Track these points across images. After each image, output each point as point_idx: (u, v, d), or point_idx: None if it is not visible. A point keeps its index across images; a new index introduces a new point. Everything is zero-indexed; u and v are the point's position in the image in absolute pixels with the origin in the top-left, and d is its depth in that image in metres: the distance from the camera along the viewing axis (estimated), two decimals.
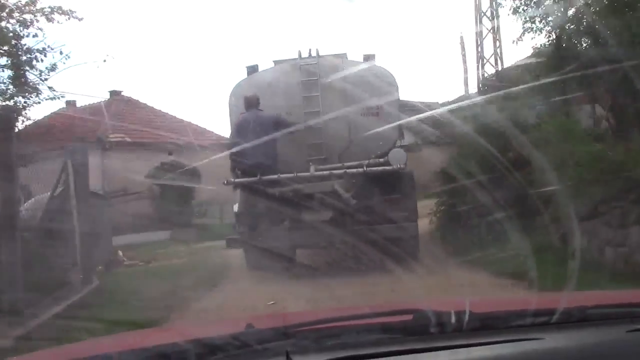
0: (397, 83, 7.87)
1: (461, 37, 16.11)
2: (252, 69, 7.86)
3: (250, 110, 7.41)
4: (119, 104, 18.22)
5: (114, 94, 18.47)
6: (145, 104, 19.33)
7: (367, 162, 7.29)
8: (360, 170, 7.20)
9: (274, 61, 8.07)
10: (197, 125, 20.04)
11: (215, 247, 11.92)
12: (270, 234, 7.27)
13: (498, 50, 15.28)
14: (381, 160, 7.37)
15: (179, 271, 8.51)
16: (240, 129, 7.44)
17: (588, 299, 1.46)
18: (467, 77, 15.88)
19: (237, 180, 7.29)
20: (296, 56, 7.83)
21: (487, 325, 1.22)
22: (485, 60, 15.38)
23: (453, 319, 1.18)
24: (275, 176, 7.06)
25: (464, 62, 15.97)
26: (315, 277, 7.03)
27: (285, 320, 1.38)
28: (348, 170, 7.20)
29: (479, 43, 15.68)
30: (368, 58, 7.89)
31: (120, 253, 10.81)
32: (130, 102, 18.99)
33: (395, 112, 7.70)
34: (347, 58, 8.07)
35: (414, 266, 6.50)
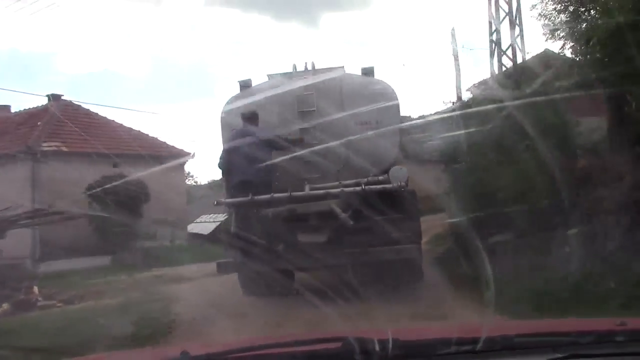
0: (397, 97, 8.05)
1: (452, 29, 15.95)
2: (245, 84, 8.09)
3: (247, 126, 7.58)
4: (58, 109, 17.24)
5: (53, 97, 17.75)
6: (88, 110, 18.40)
7: (365, 180, 7.42)
8: (358, 189, 7.33)
9: (268, 75, 8.31)
10: (148, 135, 19.27)
11: (165, 276, 11.27)
12: (264, 257, 7.39)
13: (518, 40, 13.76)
14: (381, 178, 7.51)
15: (107, 318, 7.06)
16: (233, 145, 7.57)
17: (512, 328, 1.61)
18: (459, 78, 14.99)
19: (227, 200, 7.46)
20: (291, 70, 8.05)
21: (411, 354, 1.38)
22: (502, 52, 13.92)
23: (377, 347, 1.34)
24: (268, 196, 7.21)
25: (456, 59, 14.96)
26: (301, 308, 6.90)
27: (224, 347, 1.55)
28: (345, 189, 7.32)
29: (493, 28, 14.09)
30: (367, 71, 8.07)
31: (36, 289, 9.65)
32: (70, 107, 18.02)
33: (395, 127, 7.86)
34: (344, 71, 8.26)
35: (414, 293, 6.61)
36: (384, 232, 7.27)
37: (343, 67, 8.36)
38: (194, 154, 19.73)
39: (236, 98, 8.11)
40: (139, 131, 19.22)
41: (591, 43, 7.55)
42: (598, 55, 7.59)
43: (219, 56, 57.29)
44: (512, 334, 1.44)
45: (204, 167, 69.37)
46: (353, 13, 58.94)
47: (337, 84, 7.85)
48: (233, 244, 7.63)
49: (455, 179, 11.88)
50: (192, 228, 21.01)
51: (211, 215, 22.23)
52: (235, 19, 53.03)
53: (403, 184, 7.44)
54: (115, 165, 15.41)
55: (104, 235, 13.70)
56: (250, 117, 7.54)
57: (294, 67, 8.07)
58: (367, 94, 7.80)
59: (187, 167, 30.56)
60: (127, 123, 19.49)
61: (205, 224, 21.96)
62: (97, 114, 18.37)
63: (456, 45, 14.81)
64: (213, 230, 20.75)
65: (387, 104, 7.83)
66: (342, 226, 7.31)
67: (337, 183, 7.41)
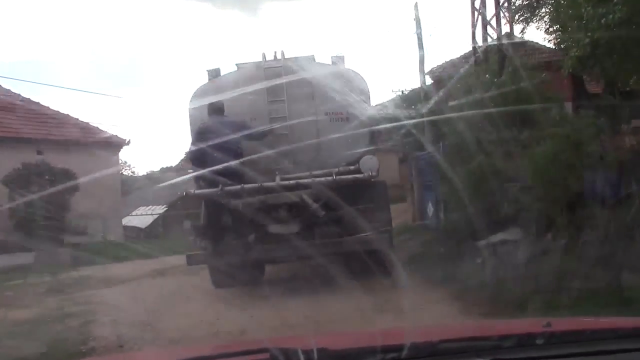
0: (367, 86, 8.09)
1: (415, 4, 14.53)
2: (214, 73, 8.05)
3: (214, 116, 7.54)
4: None
5: None
6: (8, 89, 16.52)
7: (336, 170, 7.45)
8: (330, 179, 7.36)
9: (236, 64, 8.25)
10: (78, 120, 17.48)
11: (94, 277, 10.34)
12: (235, 248, 7.41)
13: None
14: (352, 168, 7.55)
15: (13, 336, 6.14)
16: (202, 136, 7.50)
17: (436, 333, 1.66)
18: (423, 60, 13.77)
19: (197, 191, 7.43)
20: (260, 59, 8.01)
21: None
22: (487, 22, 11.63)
23: (302, 358, 1.37)
24: (238, 187, 7.21)
25: (419, 38, 13.85)
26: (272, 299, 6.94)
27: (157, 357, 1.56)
28: (316, 179, 7.35)
29: None
30: (337, 60, 8.06)
31: None
32: None
33: (366, 116, 7.88)
34: (314, 60, 8.24)
35: (383, 284, 6.67)
36: (355, 222, 7.30)
37: (313, 56, 8.33)
38: (129, 140, 18.25)
39: (204, 88, 8.05)
40: (68, 114, 17.38)
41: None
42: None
43: (156, 43, 56.47)
44: (437, 339, 1.48)
45: (143, 157, 67.71)
46: (294, 3, 58.79)
47: (306, 73, 7.82)
48: (203, 235, 7.62)
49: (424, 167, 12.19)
50: (129, 221, 19.78)
51: (149, 207, 21.26)
52: (174, 5, 52.18)
53: (374, 173, 7.49)
54: (39, 152, 14.26)
55: (26, 231, 12.05)
56: (217, 107, 7.50)
57: (264, 56, 8.02)
58: (337, 82, 7.77)
59: (124, 157, 28.75)
60: (59, 107, 17.83)
61: (142, 217, 20.83)
62: (19, 95, 16.61)
63: (419, 22, 14.08)
64: (151, 224, 20.11)
65: (357, 93, 7.85)
66: (314, 216, 7.36)
67: (308, 173, 7.42)
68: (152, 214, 20.80)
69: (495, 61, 10.26)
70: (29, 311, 7.40)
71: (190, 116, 8.02)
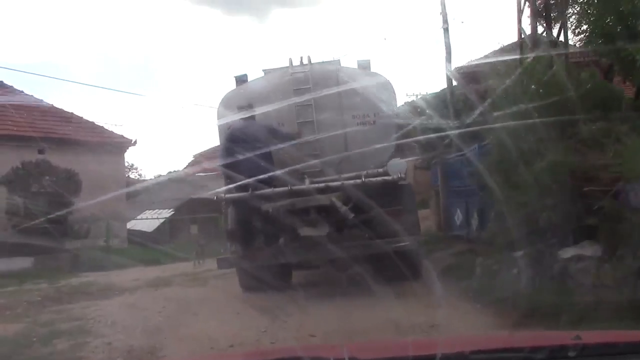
0: (394, 89, 8.10)
1: None
2: (242, 79, 8.15)
3: (244, 120, 7.64)
4: None
5: None
6: (11, 86, 15.94)
7: (365, 172, 7.48)
8: (359, 181, 7.40)
9: (263, 70, 8.36)
10: (82, 118, 16.86)
11: (95, 284, 9.68)
12: (264, 252, 7.49)
13: None
14: (380, 170, 7.57)
15: None
16: (232, 139, 7.61)
17: (467, 344, 1.68)
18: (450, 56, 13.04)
19: (227, 195, 7.54)
20: (287, 64, 8.09)
21: None
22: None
23: None
24: (268, 190, 7.30)
25: (445, 21, 13.10)
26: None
27: None
28: (345, 182, 7.39)
29: None
30: (363, 64, 8.09)
31: None
32: None
33: (393, 119, 7.90)
34: (340, 65, 8.28)
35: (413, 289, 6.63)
36: (384, 225, 7.31)
37: (339, 60, 8.41)
38: (135, 140, 17.64)
39: (232, 93, 8.17)
40: (72, 113, 16.63)
41: None
42: None
43: (167, 48, 57.05)
44: (468, 350, 1.51)
45: (151, 161, 67.24)
46: (302, 10, 58.82)
47: (333, 78, 7.88)
48: (233, 239, 7.73)
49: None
50: (134, 225, 19.06)
51: (155, 211, 20.46)
52: (185, 11, 52.77)
53: (403, 175, 7.51)
54: (40, 151, 13.55)
55: (24, 234, 11.08)
56: (246, 110, 7.60)
57: (290, 61, 8.10)
58: (363, 86, 7.82)
59: (132, 159, 28.46)
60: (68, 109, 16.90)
61: (148, 220, 19.98)
62: (22, 92, 16.02)
63: (446, 16, 13.21)
64: (157, 228, 19.23)
65: (383, 96, 7.88)
66: (343, 219, 7.39)
67: (337, 176, 7.47)
68: (158, 218, 20.10)
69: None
70: (15, 326, 6.65)
71: (219, 120, 8.17)
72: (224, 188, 7.87)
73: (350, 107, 7.82)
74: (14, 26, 40.87)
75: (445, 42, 13.13)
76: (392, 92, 8.05)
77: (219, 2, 54.31)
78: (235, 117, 7.80)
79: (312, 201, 7.47)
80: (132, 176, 26.60)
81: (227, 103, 8.06)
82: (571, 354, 1.49)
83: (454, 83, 13.09)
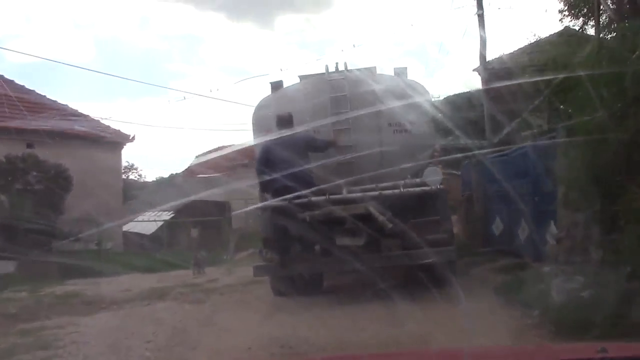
0: (430, 97, 8.06)
1: None
2: (277, 85, 8.04)
3: (284, 129, 7.52)
4: None
5: None
6: (1, 75, 15.37)
7: (403, 182, 7.43)
8: (397, 191, 7.35)
9: (299, 76, 8.27)
10: (77, 111, 15.59)
11: (82, 295, 8.69)
12: (301, 260, 7.42)
13: None
14: (417, 180, 7.53)
15: None
16: (271, 149, 7.46)
17: (493, 356, 1.64)
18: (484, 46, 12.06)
19: (265, 203, 7.44)
20: (323, 71, 8.00)
21: None
22: None
23: None
24: (306, 199, 7.21)
25: (480, 7, 12.04)
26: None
27: None
28: (383, 192, 7.34)
29: None
30: (399, 72, 8.05)
31: None
32: None
33: (429, 127, 7.87)
34: (376, 72, 8.22)
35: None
36: (421, 235, 7.28)
37: (375, 67, 8.35)
38: (133, 136, 16.75)
39: (268, 99, 8.07)
40: (67, 105, 15.55)
41: None
42: None
43: (172, 51, 56.54)
44: None
45: (153, 162, 65.65)
46: (309, 16, 58.90)
47: (370, 85, 7.82)
48: (270, 247, 7.61)
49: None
50: (132, 227, 18.16)
51: (155, 213, 19.25)
52: (189, 16, 52.40)
53: (440, 185, 7.48)
54: (29, 145, 12.75)
55: (8, 235, 10.23)
56: (287, 120, 7.50)
57: (326, 67, 8.02)
58: (400, 94, 7.76)
59: (132, 160, 27.54)
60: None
61: (147, 223, 18.67)
62: (13, 81, 15.37)
63: (481, 1, 12.08)
64: (156, 231, 18.22)
65: (419, 104, 7.84)
66: (380, 229, 7.33)
67: (374, 185, 7.42)
68: (157, 220, 18.98)
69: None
70: None
71: (254, 126, 8.05)
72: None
73: (386, 115, 7.76)
74: None
75: (480, 33, 12.16)
76: (429, 99, 8.02)
77: (223, 7, 53.85)
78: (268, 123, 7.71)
79: (349, 210, 7.40)
80: (132, 177, 25.82)
81: (262, 109, 7.96)
82: None
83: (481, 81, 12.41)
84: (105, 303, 8.30)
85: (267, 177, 7.34)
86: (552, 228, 7.44)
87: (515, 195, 8.64)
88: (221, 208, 17.50)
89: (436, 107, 8.83)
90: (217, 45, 56.66)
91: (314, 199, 7.25)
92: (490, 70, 12.25)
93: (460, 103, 11.15)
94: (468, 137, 8.98)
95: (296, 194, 7.14)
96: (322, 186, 7.26)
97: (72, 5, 46.81)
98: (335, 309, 6.91)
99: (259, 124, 8.00)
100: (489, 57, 12.39)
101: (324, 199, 7.28)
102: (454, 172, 13.34)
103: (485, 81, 11.94)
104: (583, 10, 12.45)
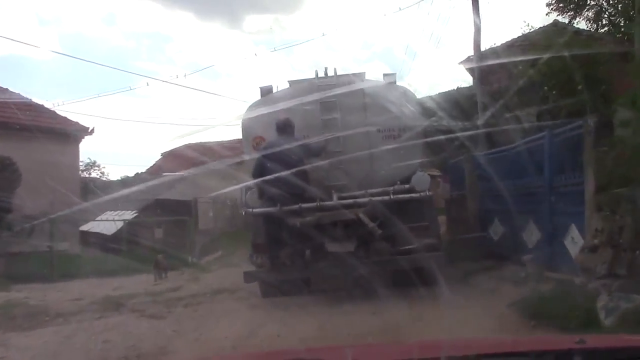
0: (420, 102, 8.07)
1: None
2: (267, 90, 8.00)
3: (282, 135, 7.52)
4: None
5: None
6: None
7: (392, 188, 7.49)
8: (387, 197, 7.41)
9: (289, 81, 8.23)
10: (31, 100, 14.78)
11: (22, 306, 7.63)
12: (292, 266, 7.45)
13: None
14: (407, 186, 7.59)
15: None
16: (269, 155, 7.39)
17: (472, 347, 1.71)
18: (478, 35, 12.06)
19: (256, 210, 7.45)
20: (313, 76, 7.98)
21: None
22: None
23: None
24: (296, 206, 7.24)
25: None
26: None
27: None
28: (373, 198, 7.39)
29: None
30: (388, 77, 8.05)
31: None
32: None
33: (418, 133, 7.91)
34: (365, 77, 8.23)
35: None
36: (409, 240, 7.35)
37: (364, 73, 8.35)
38: (92, 129, 15.77)
39: (257, 104, 8.03)
40: (19, 93, 14.44)
41: None
42: None
43: (139, 49, 55.63)
44: (473, 353, 1.53)
45: (119, 161, 62.85)
46: (278, 16, 58.44)
47: (359, 91, 7.83)
48: (261, 253, 7.64)
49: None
50: (92, 227, 16.89)
51: (116, 212, 17.80)
52: (157, 14, 51.52)
53: (429, 192, 7.56)
54: None
55: None
56: (284, 126, 7.48)
57: (316, 73, 8.00)
58: (389, 100, 7.80)
59: (95, 157, 25.67)
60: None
61: (108, 222, 17.00)
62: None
63: None
64: (118, 231, 16.50)
65: (409, 109, 7.86)
66: (370, 235, 7.40)
67: (364, 192, 7.46)
68: (118, 220, 17.46)
69: None
70: None
71: (244, 131, 8.04)
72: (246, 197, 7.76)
73: (375, 120, 7.78)
74: None
75: (474, 20, 11.98)
76: (418, 105, 8.05)
77: (191, 6, 52.91)
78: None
79: (339, 216, 7.45)
80: (93, 174, 24.88)
81: (252, 114, 7.92)
82: (576, 358, 1.51)
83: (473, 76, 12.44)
84: (49, 315, 7.21)
85: (266, 184, 7.30)
86: (575, 233, 6.85)
87: (522, 195, 8.09)
88: (187, 207, 16.72)
89: (426, 110, 8.84)
90: (185, 44, 55.80)
91: (304, 205, 7.29)
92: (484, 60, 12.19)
93: (450, 101, 11.10)
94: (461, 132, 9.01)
95: (292, 199, 7.21)
96: (314, 192, 7.33)
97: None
98: (324, 318, 6.82)
99: (248, 129, 7.98)
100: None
101: (314, 206, 7.32)
102: (437, 173, 13.25)
103: (479, 70, 12.03)
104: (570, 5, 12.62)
